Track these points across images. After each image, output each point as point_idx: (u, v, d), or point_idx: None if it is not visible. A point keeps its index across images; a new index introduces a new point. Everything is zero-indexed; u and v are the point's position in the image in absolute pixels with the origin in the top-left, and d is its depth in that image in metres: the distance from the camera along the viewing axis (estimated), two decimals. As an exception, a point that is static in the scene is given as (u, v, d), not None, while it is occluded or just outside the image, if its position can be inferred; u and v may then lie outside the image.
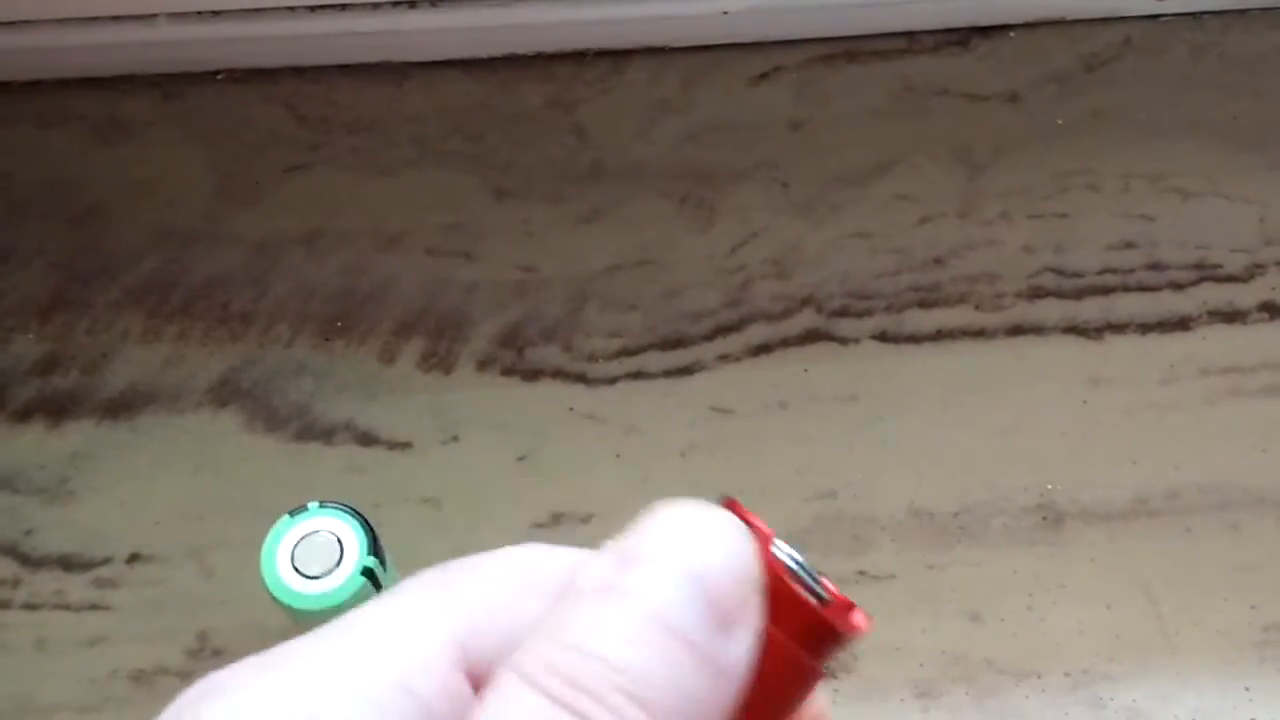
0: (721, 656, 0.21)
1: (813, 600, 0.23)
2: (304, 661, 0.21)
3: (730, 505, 0.23)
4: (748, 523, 0.23)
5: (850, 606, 0.24)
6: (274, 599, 0.52)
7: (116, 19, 0.74)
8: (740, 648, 0.21)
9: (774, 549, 0.23)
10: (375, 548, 0.52)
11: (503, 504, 0.68)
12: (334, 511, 0.53)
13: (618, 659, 0.20)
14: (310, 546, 0.52)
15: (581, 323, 0.73)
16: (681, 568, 0.21)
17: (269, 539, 0.52)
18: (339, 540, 0.52)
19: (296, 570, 0.51)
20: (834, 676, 0.63)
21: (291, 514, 0.53)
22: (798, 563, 0.23)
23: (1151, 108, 0.79)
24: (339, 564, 0.51)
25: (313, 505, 0.53)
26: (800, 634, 0.22)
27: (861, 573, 0.66)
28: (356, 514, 0.53)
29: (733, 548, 0.22)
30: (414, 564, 0.29)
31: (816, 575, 0.23)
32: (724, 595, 0.21)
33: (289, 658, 0.21)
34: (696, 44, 0.81)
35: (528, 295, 0.74)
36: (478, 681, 0.22)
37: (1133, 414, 0.70)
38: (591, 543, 0.23)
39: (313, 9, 0.75)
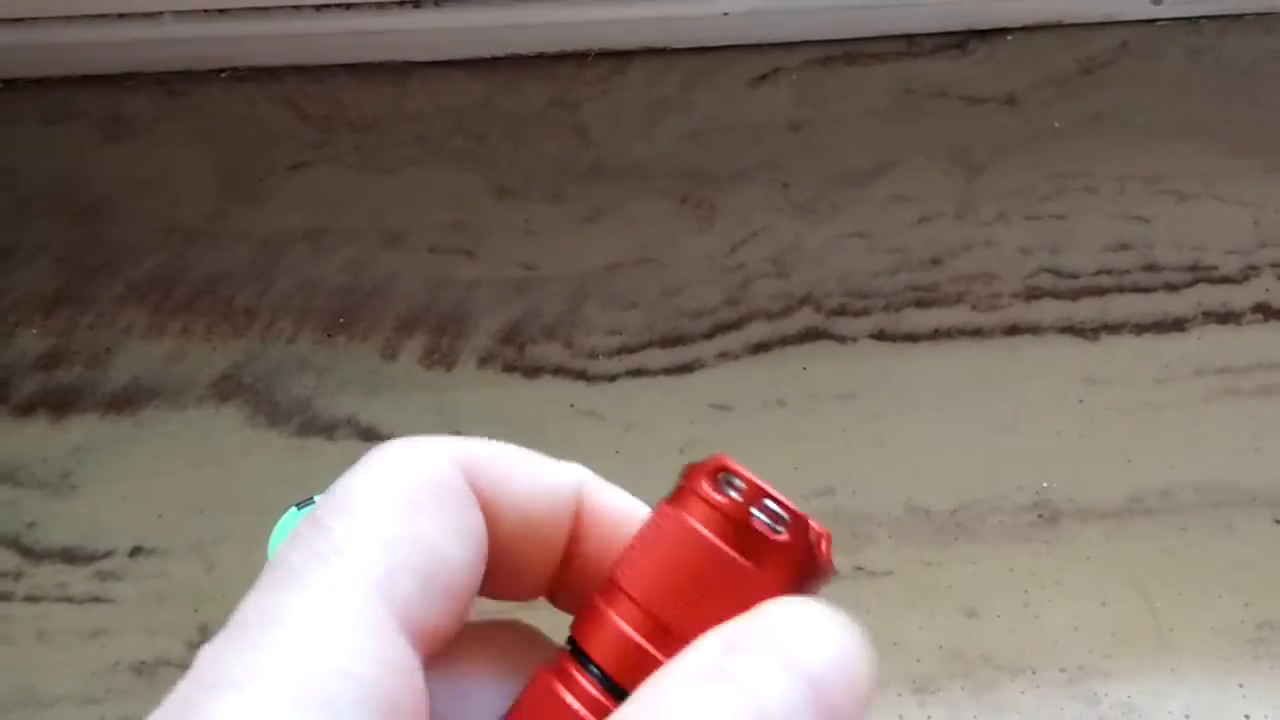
0: None
1: (761, 517, 0.22)
2: (242, 675, 0.20)
3: (720, 462, 0.23)
4: (740, 475, 0.23)
5: (820, 535, 0.23)
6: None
7: (123, 16, 0.74)
8: None
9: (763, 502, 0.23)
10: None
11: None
12: (344, 488, 0.53)
13: None
14: (315, 537, 0.52)
15: (582, 320, 0.73)
16: (796, 664, 0.20)
17: (276, 531, 0.52)
18: (343, 531, 0.52)
19: (302, 561, 0.52)
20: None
21: (298, 506, 0.53)
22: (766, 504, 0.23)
23: (1148, 111, 0.79)
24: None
25: (319, 498, 0.53)
26: (787, 578, 0.22)
27: (859, 569, 0.67)
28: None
29: (851, 650, 0.21)
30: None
31: (782, 514, 0.23)
32: (837, 705, 0.20)
33: (227, 675, 0.20)
34: (697, 45, 0.81)
35: (529, 293, 0.74)
36: (408, 626, 0.21)
37: (1128, 413, 0.70)
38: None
39: (318, 8, 0.76)
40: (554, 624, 0.25)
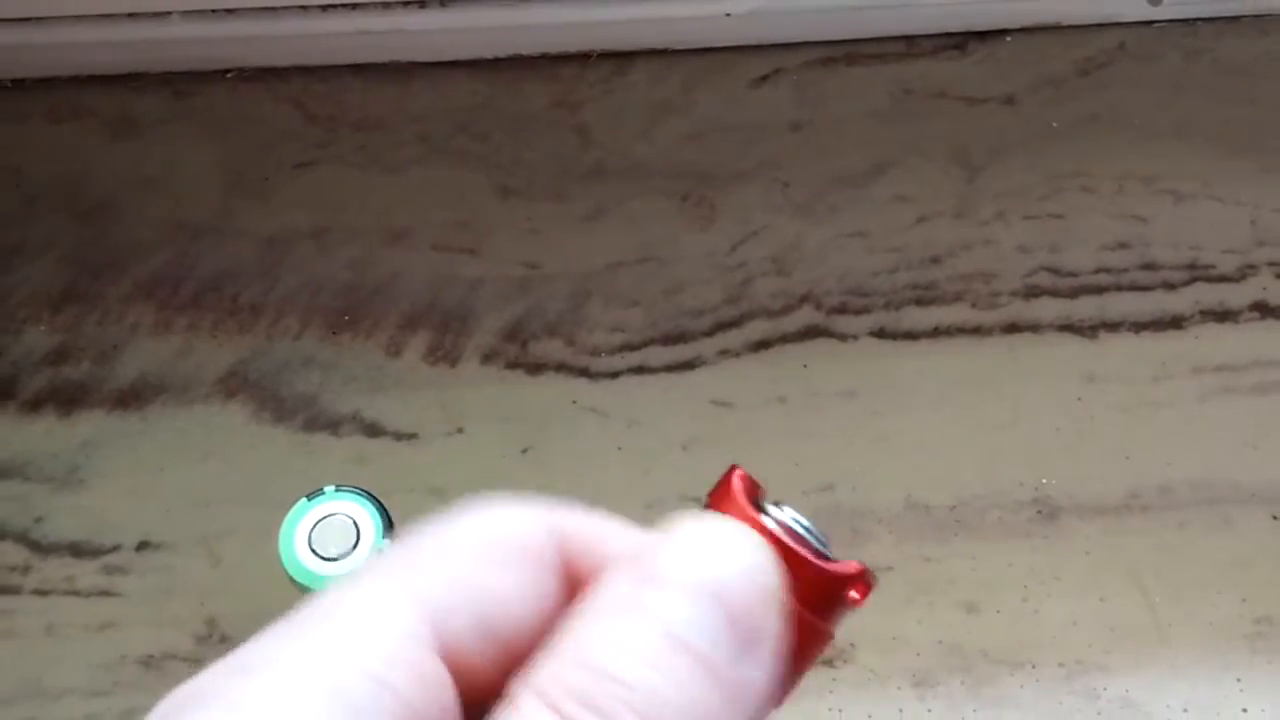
0: (740, 677, 0.21)
1: (824, 564, 0.23)
2: (274, 664, 0.20)
3: (737, 475, 0.24)
4: (754, 493, 0.23)
5: (860, 571, 0.24)
6: (291, 580, 0.53)
7: (131, 16, 0.75)
8: (760, 668, 0.21)
9: (779, 515, 0.23)
10: (390, 530, 0.53)
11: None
12: (350, 495, 0.54)
13: (634, 679, 0.20)
14: (327, 529, 0.53)
15: (584, 318, 0.74)
16: (702, 586, 0.21)
17: (286, 522, 0.53)
18: (355, 523, 0.53)
19: (314, 552, 0.52)
20: (831, 665, 0.64)
21: (309, 497, 0.54)
22: (806, 529, 0.23)
23: (1145, 111, 0.80)
24: (356, 546, 0.53)
25: (329, 489, 0.54)
26: (813, 600, 0.23)
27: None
28: (372, 497, 0.54)
29: (754, 565, 0.22)
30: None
31: (824, 539, 0.24)
32: (745, 615, 0.21)
33: (260, 661, 0.21)
34: (698, 46, 0.82)
35: (531, 291, 0.75)
36: (453, 661, 0.22)
37: (1127, 410, 0.71)
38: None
39: (324, 8, 0.76)
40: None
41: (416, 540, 0.23)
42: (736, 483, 0.24)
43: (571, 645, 0.21)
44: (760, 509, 0.24)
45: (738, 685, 0.21)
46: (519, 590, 0.23)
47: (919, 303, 0.74)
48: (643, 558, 0.21)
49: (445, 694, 0.21)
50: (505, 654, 0.23)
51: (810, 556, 0.23)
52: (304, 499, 0.54)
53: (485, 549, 0.23)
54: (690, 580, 0.21)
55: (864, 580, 0.24)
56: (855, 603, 0.24)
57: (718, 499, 0.24)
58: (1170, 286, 0.75)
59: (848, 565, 0.24)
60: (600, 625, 0.21)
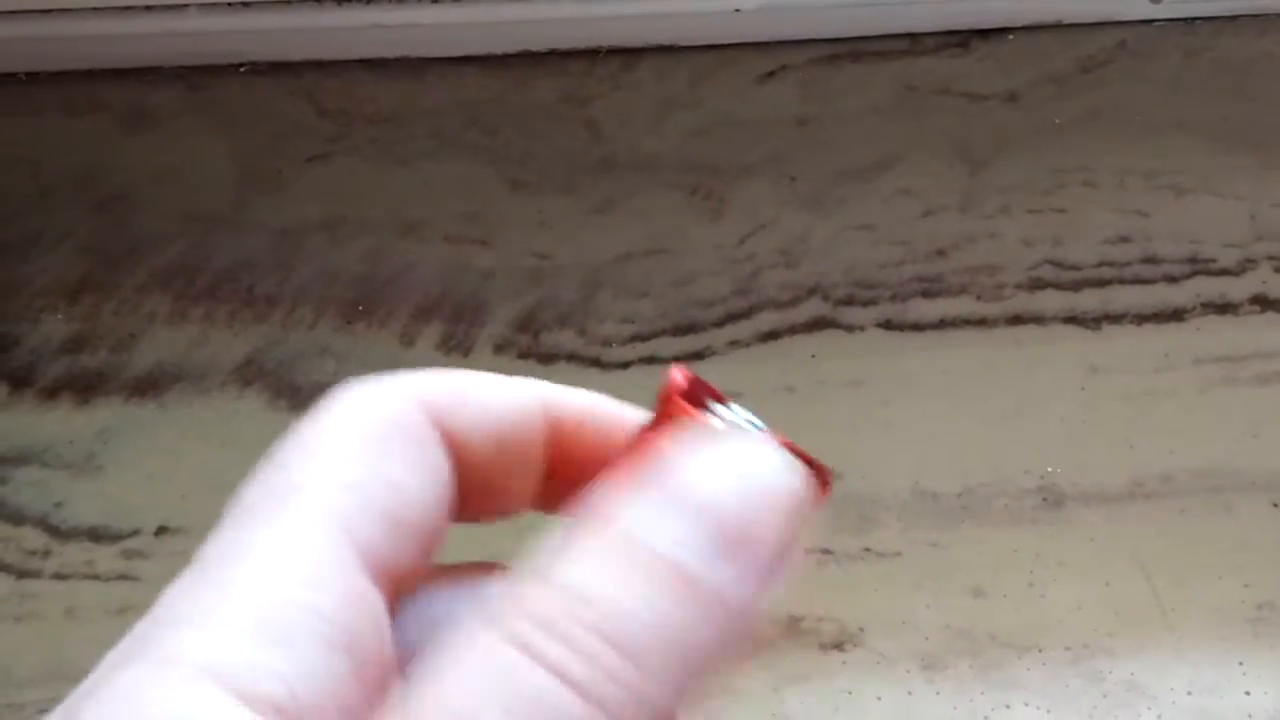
0: (719, 587, 0.19)
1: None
2: (201, 609, 0.20)
3: (692, 382, 0.22)
4: (703, 394, 0.22)
5: (819, 470, 0.23)
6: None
7: (149, 8, 0.76)
8: (744, 579, 0.19)
9: (729, 415, 0.22)
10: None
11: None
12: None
13: (601, 599, 0.18)
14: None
15: (595, 308, 0.75)
16: (682, 493, 0.19)
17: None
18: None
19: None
20: (841, 649, 0.65)
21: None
22: (758, 429, 0.22)
23: (1146, 108, 0.81)
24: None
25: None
26: None
27: (867, 550, 0.68)
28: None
29: (752, 469, 0.20)
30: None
31: (788, 445, 0.22)
32: (731, 520, 0.19)
33: (186, 609, 0.20)
34: (705, 43, 0.83)
35: (543, 282, 0.76)
36: (371, 565, 0.21)
37: (1130, 400, 0.72)
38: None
39: (338, 1, 0.77)
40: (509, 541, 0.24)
41: (300, 446, 0.22)
42: (678, 380, 0.23)
43: (540, 563, 0.19)
44: (707, 409, 0.22)
45: (720, 594, 0.19)
46: (414, 473, 0.22)
47: (925, 295, 0.75)
48: (637, 474, 0.20)
49: (371, 602, 0.21)
50: (417, 539, 0.22)
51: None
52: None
53: (368, 443, 0.22)
54: (664, 484, 0.19)
55: (822, 479, 0.23)
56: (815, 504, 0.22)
57: (660, 401, 0.23)
58: (1172, 279, 0.76)
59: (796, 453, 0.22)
60: (574, 541, 0.19)
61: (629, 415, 0.25)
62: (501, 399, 0.24)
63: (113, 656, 0.20)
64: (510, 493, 0.25)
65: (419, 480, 0.22)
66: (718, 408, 0.23)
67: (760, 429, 0.23)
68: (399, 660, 0.22)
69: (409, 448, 0.22)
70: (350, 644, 0.20)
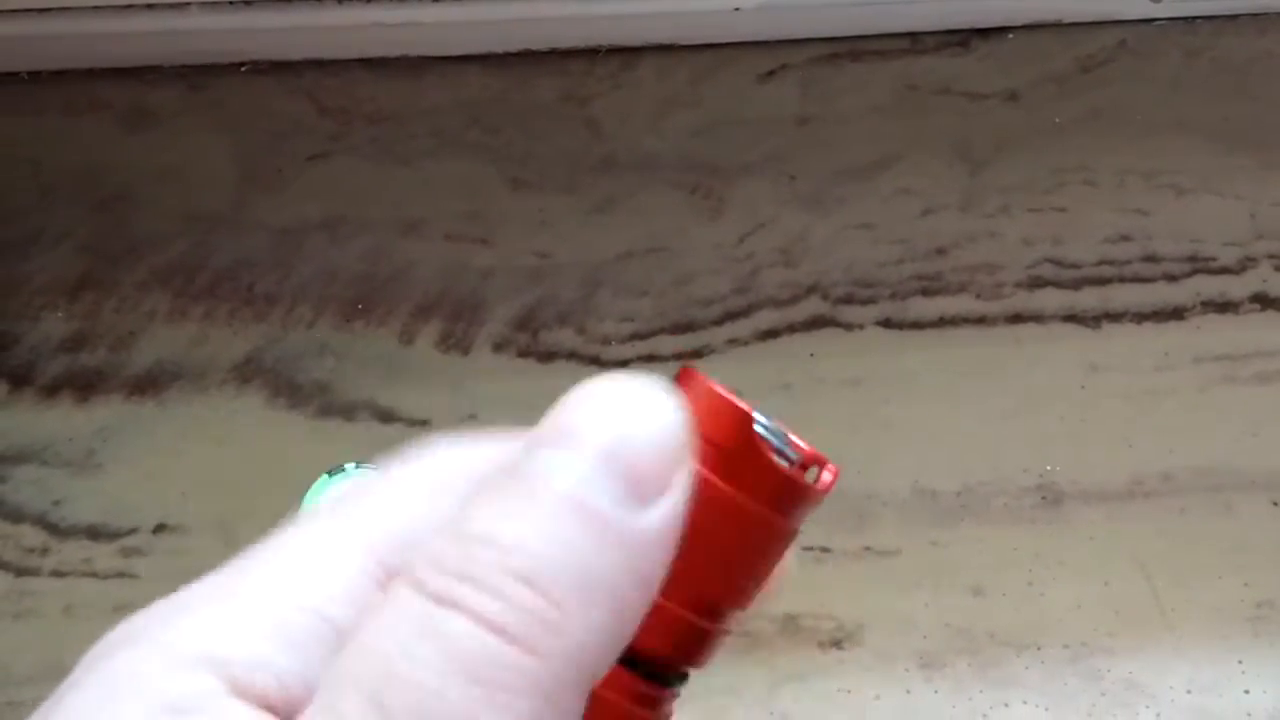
0: (632, 526, 0.19)
1: (780, 461, 0.22)
2: (216, 599, 0.20)
3: (685, 374, 0.22)
4: (706, 389, 0.22)
5: (818, 462, 0.23)
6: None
7: (150, 7, 0.76)
8: (657, 517, 0.19)
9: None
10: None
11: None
12: (371, 472, 0.55)
13: (506, 538, 0.18)
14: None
15: (594, 307, 0.75)
16: (591, 438, 0.19)
17: (307, 498, 0.54)
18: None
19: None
20: (840, 648, 0.65)
21: (330, 473, 0.55)
22: (763, 425, 0.22)
23: (1146, 108, 0.81)
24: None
25: (349, 466, 0.55)
26: (769, 496, 0.22)
27: (867, 548, 0.68)
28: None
29: (653, 412, 0.20)
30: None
31: (784, 435, 0.22)
32: (638, 462, 0.19)
33: (202, 596, 0.20)
34: (706, 42, 0.83)
35: (542, 280, 0.76)
36: None
37: (1129, 399, 0.72)
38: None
39: (339, 0, 0.78)
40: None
41: (371, 479, 0.22)
42: (682, 377, 0.23)
43: (452, 521, 0.19)
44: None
45: (629, 536, 0.19)
46: None
47: (924, 293, 0.75)
48: (540, 424, 0.20)
49: None
50: None
51: (766, 452, 0.22)
52: (325, 474, 0.55)
53: (436, 483, 0.22)
54: (580, 433, 0.19)
55: (821, 478, 0.23)
56: (817, 496, 0.23)
57: None
58: (1172, 278, 0.76)
59: (805, 454, 0.23)
60: (482, 493, 0.19)
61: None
62: None
63: (118, 632, 0.20)
64: None
65: None
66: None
67: (770, 427, 0.22)
68: None
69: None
70: None
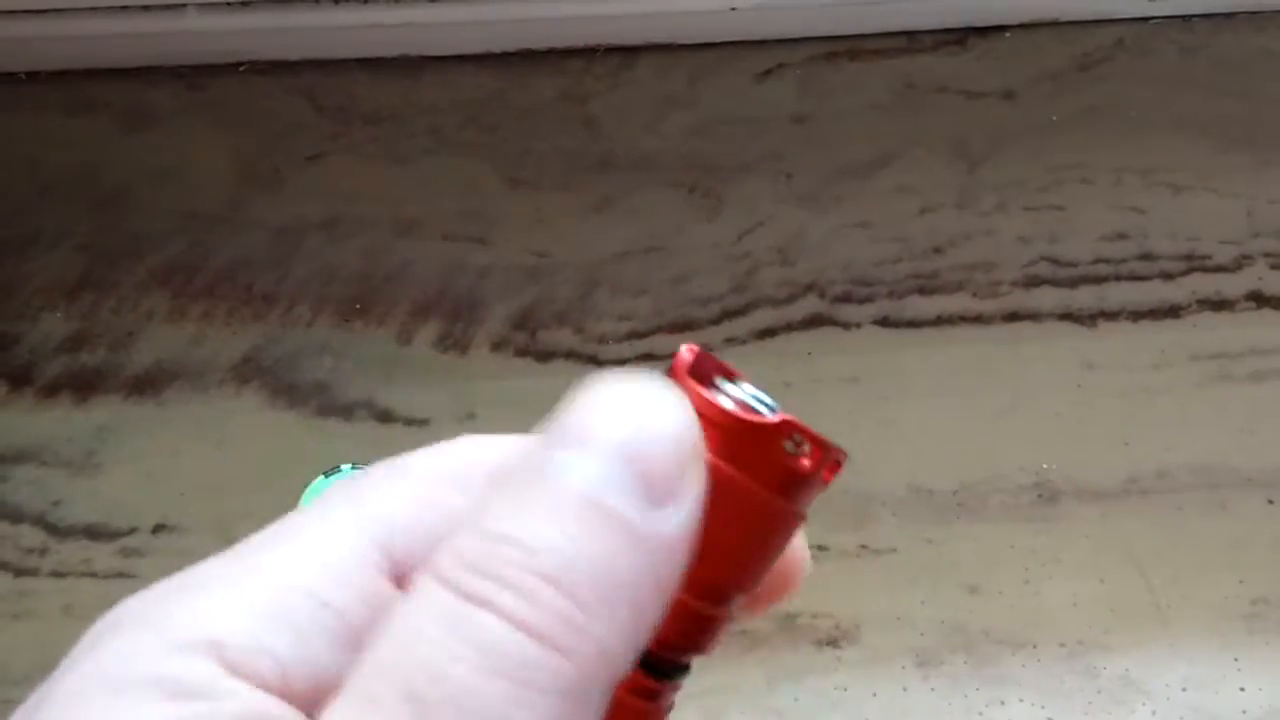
0: (652, 530, 0.19)
1: (786, 445, 0.22)
2: (217, 582, 0.20)
3: (699, 357, 0.22)
4: (712, 368, 0.22)
5: (826, 448, 0.22)
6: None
7: (147, 8, 0.76)
8: (675, 520, 0.20)
9: (734, 391, 0.22)
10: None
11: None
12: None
13: (532, 540, 0.19)
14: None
15: (592, 306, 0.75)
16: (609, 440, 0.19)
17: (304, 498, 0.54)
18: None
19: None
20: (836, 645, 0.65)
21: (326, 474, 0.55)
22: (768, 406, 0.22)
23: (1142, 106, 0.81)
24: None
25: (346, 467, 0.55)
26: (774, 481, 0.22)
27: (863, 546, 0.68)
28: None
29: (667, 416, 0.20)
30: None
31: (791, 421, 0.22)
32: (656, 466, 0.19)
33: (202, 579, 0.20)
34: (703, 41, 0.83)
35: (540, 280, 0.76)
36: (406, 584, 0.21)
37: (1125, 397, 0.72)
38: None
39: (336, 1, 0.78)
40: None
41: (382, 466, 0.22)
42: (685, 356, 0.22)
43: (474, 517, 0.19)
44: (714, 386, 0.22)
45: (651, 537, 0.19)
46: None
47: (921, 292, 0.75)
48: (554, 423, 0.20)
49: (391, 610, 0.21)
50: None
51: (772, 436, 0.21)
52: (322, 476, 0.55)
53: (443, 475, 0.22)
54: (598, 436, 0.19)
55: (830, 461, 0.22)
56: (821, 480, 0.22)
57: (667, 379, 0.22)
58: (1168, 276, 0.76)
59: (816, 449, 0.22)
60: (504, 492, 0.19)
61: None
62: None
63: (119, 611, 0.20)
64: None
65: None
66: (725, 384, 0.22)
67: (771, 407, 0.22)
68: None
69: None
70: (357, 643, 0.20)
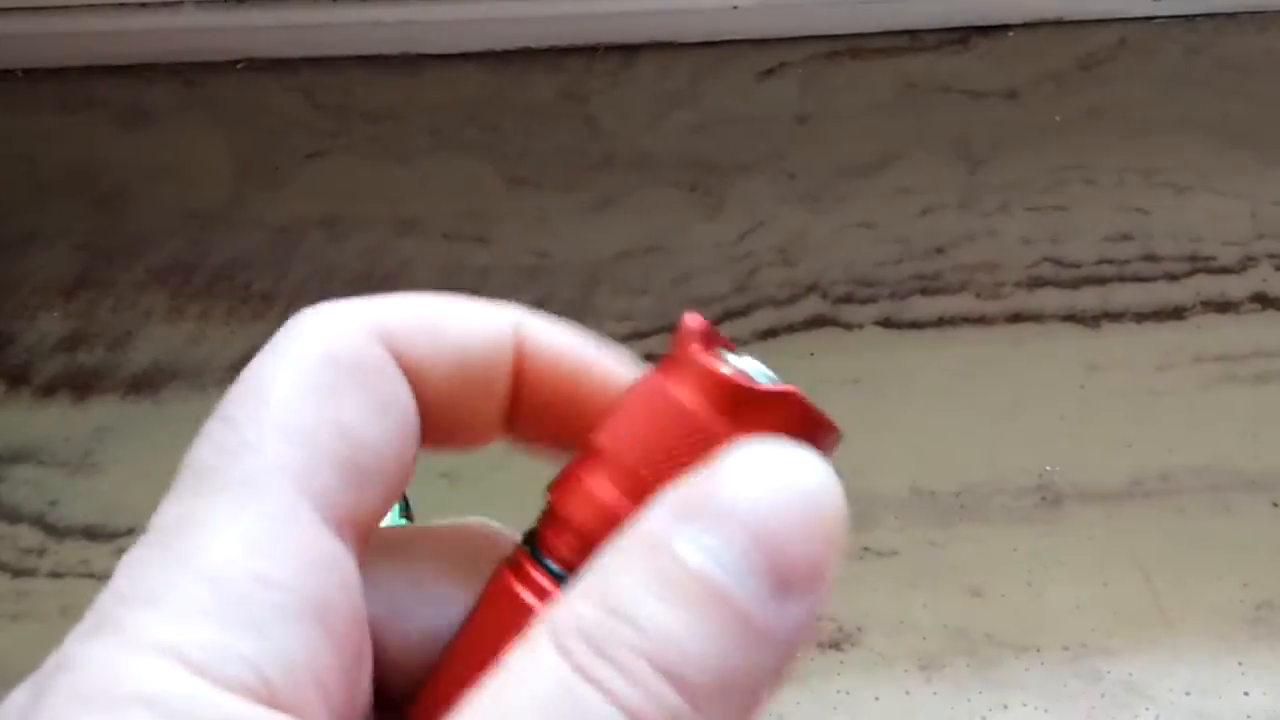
0: (773, 624, 0.18)
1: (727, 370, 0.21)
2: (157, 588, 0.19)
3: (705, 327, 0.22)
4: (713, 342, 0.22)
5: (826, 424, 0.22)
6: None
7: (145, 5, 0.76)
8: (797, 613, 0.18)
9: (739, 363, 0.22)
10: (407, 510, 0.54)
11: (515, 480, 0.69)
12: None
13: (648, 622, 0.18)
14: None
15: (593, 306, 0.75)
16: (740, 517, 0.18)
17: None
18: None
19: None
20: (839, 649, 0.65)
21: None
22: (769, 379, 0.22)
23: (1146, 106, 0.81)
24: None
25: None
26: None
27: (866, 549, 0.68)
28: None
29: (812, 493, 0.19)
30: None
31: (796, 393, 0.22)
32: (789, 551, 0.18)
33: (163, 581, 0.19)
34: (705, 39, 0.83)
35: (541, 279, 0.75)
36: (345, 522, 0.20)
37: (1129, 399, 0.72)
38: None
39: (335, -1, 0.78)
40: (519, 523, 0.24)
41: (249, 396, 0.21)
42: (691, 323, 0.22)
43: (597, 580, 0.19)
44: (718, 357, 0.22)
45: (771, 632, 0.18)
46: (371, 412, 0.21)
47: (924, 292, 0.75)
48: (689, 486, 0.19)
49: (339, 560, 0.20)
50: (380, 483, 0.21)
51: (712, 359, 0.22)
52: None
53: (320, 383, 0.21)
54: (724, 512, 0.18)
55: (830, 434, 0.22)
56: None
57: (671, 349, 0.23)
58: (1172, 277, 0.75)
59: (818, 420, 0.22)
60: (626, 559, 0.19)
61: (607, 359, 0.25)
62: (463, 325, 0.23)
63: (80, 629, 0.19)
64: (474, 424, 0.24)
65: (377, 418, 0.21)
66: (728, 355, 0.22)
67: (773, 378, 0.22)
68: (379, 612, 0.21)
69: (365, 383, 0.21)
70: (320, 612, 0.19)
